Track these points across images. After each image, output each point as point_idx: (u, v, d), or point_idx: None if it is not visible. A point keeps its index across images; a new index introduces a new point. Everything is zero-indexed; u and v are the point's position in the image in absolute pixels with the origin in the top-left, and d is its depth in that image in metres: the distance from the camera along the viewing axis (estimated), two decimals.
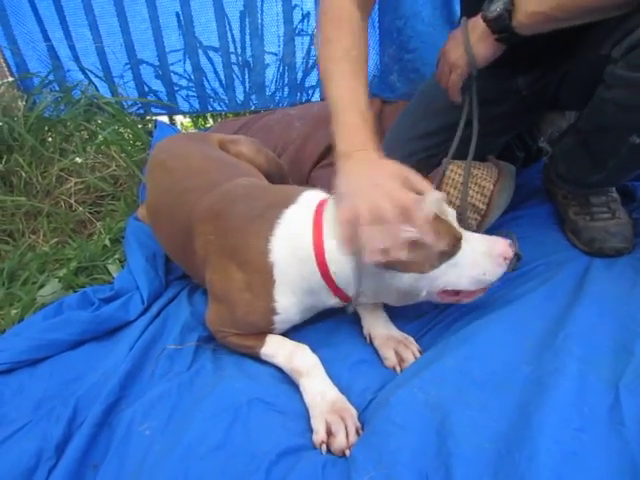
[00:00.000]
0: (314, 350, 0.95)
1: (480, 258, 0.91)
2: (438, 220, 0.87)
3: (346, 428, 0.81)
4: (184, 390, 0.93)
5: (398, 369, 0.94)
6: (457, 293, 0.95)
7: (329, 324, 1.09)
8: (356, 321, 1.07)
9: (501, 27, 0.97)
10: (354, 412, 0.84)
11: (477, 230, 1.25)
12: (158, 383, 0.96)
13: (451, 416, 0.76)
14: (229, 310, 1.00)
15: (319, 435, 0.81)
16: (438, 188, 1.21)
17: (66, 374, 1.03)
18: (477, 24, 1.02)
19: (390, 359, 0.95)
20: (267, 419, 0.84)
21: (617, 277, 1.06)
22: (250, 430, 0.82)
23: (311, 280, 0.94)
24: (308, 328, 1.07)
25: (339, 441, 0.79)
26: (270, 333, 1.01)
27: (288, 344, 0.97)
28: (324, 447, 0.79)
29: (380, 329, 1.01)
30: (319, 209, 0.94)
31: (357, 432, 0.81)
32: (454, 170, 1.21)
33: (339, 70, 0.98)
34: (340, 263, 0.90)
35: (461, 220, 1.11)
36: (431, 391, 0.80)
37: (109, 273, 1.40)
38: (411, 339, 0.99)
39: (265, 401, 0.88)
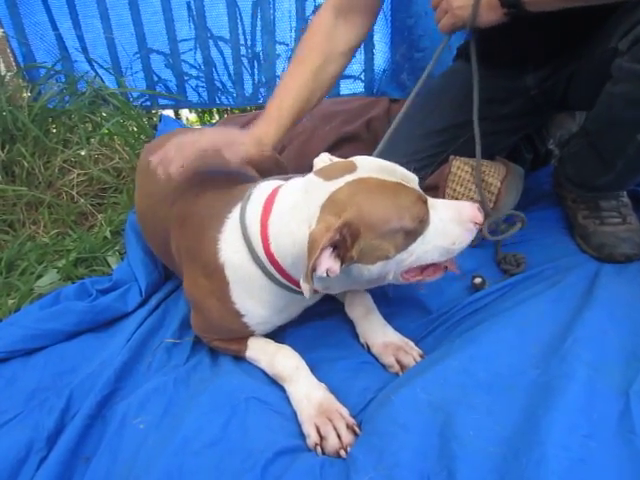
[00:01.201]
0: (313, 350, 0.93)
1: (449, 226, 0.84)
2: (402, 189, 0.80)
3: (336, 429, 0.78)
4: (180, 384, 0.91)
5: (400, 374, 0.90)
6: (422, 271, 0.88)
7: (329, 323, 1.06)
8: None
9: (511, 3, 0.94)
10: (344, 411, 0.81)
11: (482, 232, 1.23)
12: (154, 376, 0.94)
13: (455, 418, 0.73)
14: (204, 317, 0.97)
15: (311, 439, 0.78)
16: (444, 185, 1.20)
17: (60, 365, 1.01)
18: None
19: (392, 366, 0.91)
20: (264, 418, 0.82)
21: (627, 283, 1.03)
22: (247, 427, 0.80)
23: (263, 277, 0.87)
24: (306, 327, 1.05)
25: (331, 443, 0.77)
26: (252, 336, 0.96)
27: (269, 348, 0.94)
28: (319, 450, 0.77)
29: (377, 336, 0.96)
30: (270, 197, 0.87)
31: (353, 429, 0.79)
32: (460, 167, 1.19)
33: (289, 66, 1.15)
34: (283, 250, 0.83)
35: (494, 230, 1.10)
36: (434, 392, 0.78)
37: (109, 265, 1.39)
38: (411, 343, 0.94)
39: (262, 400, 0.85)
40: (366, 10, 1.22)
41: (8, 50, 2.13)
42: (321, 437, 0.78)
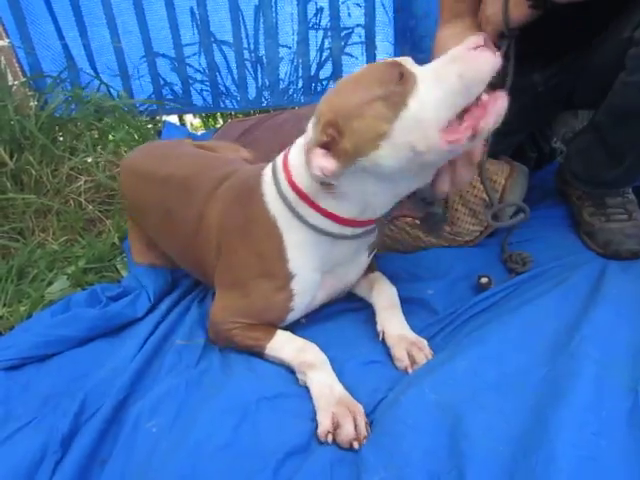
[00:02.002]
0: (324, 350, 0.93)
1: (444, 67, 0.75)
2: (367, 67, 0.82)
3: (355, 420, 0.79)
4: (192, 387, 0.92)
5: (410, 371, 0.91)
6: (463, 119, 0.75)
7: (340, 323, 1.07)
8: (368, 321, 1.05)
9: None
10: (362, 409, 0.82)
11: (488, 227, 1.24)
12: (165, 378, 0.95)
13: (464, 418, 0.74)
14: (242, 292, 0.98)
15: (323, 426, 0.79)
16: None
17: (74, 370, 1.03)
18: None
19: (402, 360, 0.92)
20: (276, 418, 0.83)
21: (634, 280, 1.04)
22: (258, 429, 0.80)
23: (302, 226, 0.91)
24: (318, 328, 1.06)
25: (346, 432, 0.77)
26: (288, 309, 0.98)
27: (298, 340, 0.96)
28: (330, 438, 0.77)
29: (394, 328, 0.98)
30: (288, 150, 0.95)
31: (366, 428, 0.79)
32: None
33: None
34: (300, 177, 0.89)
35: (496, 216, 1.09)
36: (443, 392, 0.79)
37: (118, 271, 1.40)
38: (424, 342, 0.96)
39: (274, 400, 0.86)
40: (473, 10, 1.19)
41: (14, 60, 2.15)
42: (335, 427, 0.78)
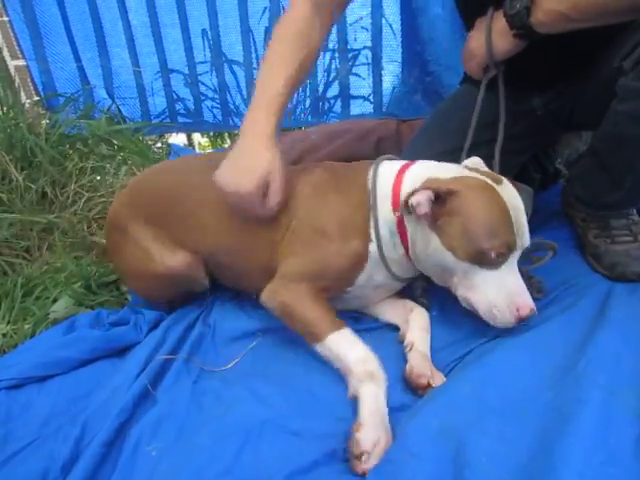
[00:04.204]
0: None
1: (502, 289, 0.91)
2: (510, 219, 0.91)
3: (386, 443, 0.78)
4: (192, 408, 0.91)
5: (421, 392, 0.90)
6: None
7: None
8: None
9: (519, 23, 0.98)
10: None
11: None
12: (165, 400, 0.94)
13: (468, 445, 0.73)
14: (317, 252, 1.01)
15: (365, 445, 0.75)
16: None
17: (75, 391, 1.02)
18: (499, 19, 1.03)
19: (423, 376, 0.90)
20: (278, 441, 0.82)
21: None
22: (260, 454, 0.79)
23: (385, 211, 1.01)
24: None
25: (372, 460, 0.75)
26: (362, 268, 1.03)
27: (363, 346, 0.93)
28: (364, 458, 0.75)
29: (424, 348, 0.98)
30: (404, 169, 1.05)
31: None
32: None
33: (268, 57, 1.12)
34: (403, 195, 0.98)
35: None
36: (446, 418, 0.78)
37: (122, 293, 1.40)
38: (442, 376, 0.93)
39: (278, 423, 0.85)
40: (339, 4, 1.20)
41: (28, 79, 2.20)
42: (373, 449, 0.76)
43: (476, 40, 1.10)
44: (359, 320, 1.14)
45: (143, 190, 1.26)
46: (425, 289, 1.12)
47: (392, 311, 1.12)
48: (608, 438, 0.70)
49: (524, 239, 0.93)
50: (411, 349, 0.98)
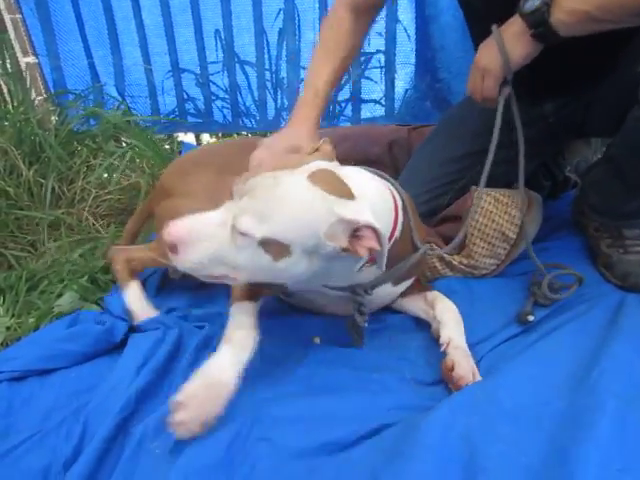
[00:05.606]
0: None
1: None
2: None
3: None
4: None
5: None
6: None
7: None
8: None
9: (538, 21, 0.91)
10: None
11: (505, 260, 1.22)
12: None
13: (481, 449, 0.71)
14: None
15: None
16: (466, 216, 1.19)
17: (77, 384, 1.01)
18: (511, 24, 0.98)
19: (466, 377, 0.87)
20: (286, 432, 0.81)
21: None
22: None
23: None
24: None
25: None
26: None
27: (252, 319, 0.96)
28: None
29: (461, 342, 0.95)
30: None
31: None
32: (482, 198, 1.18)
33: (314, 57, 1.23)
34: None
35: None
36: (461, 419, 0.76)
37: None
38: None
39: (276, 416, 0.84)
40: (375, 8, 1.28)
41: (37, 75, 2.20)
42: None
43: (487, 55, 1.02)
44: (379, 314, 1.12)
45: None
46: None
47: (412, 304, 1.11)
48: (625, 446, 0.69)
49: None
50: (449, 345, 0.94)
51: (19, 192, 1.69)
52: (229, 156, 1.26)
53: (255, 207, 0.76)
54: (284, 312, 1.16)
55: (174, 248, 0.77)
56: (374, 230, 0.77)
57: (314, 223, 0.77)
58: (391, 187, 0.97)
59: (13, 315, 1.25)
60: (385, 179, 0.99)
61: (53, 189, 1.73)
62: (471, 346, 0.99)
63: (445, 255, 1.22)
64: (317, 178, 0.79)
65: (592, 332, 0.97)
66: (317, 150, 0.91)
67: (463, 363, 0.89)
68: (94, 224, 1.71)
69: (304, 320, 1.12)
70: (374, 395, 0.89)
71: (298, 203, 0.77)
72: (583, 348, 0.93)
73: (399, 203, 0.95)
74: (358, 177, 0.87)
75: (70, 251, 1.54)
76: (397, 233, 0.92)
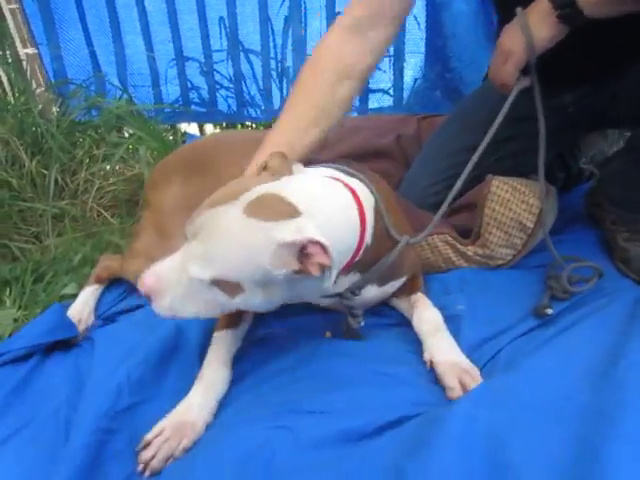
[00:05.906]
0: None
1: None
2: None
3: None
4: None
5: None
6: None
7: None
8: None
9: (565, 2, 0.89)
10: None
11: (521, 251, 1.20)
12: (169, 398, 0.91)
13: (506, 442, 0.69)
14: None
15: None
16: (483, 204, 1.17)
17: (74, 369, 1.01)
18: (536, 6, 0.95)
19: (454, 389, 0.84)
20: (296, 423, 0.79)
21: None
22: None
23: None
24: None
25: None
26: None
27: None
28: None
29: (443, 354, 0.91)
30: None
31: None
32: (499, 186, 1.16)
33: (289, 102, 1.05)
34: None
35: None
36: (483, 412, 0.74)
37: None
38: (477, 370, 0.88)
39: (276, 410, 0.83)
40: (392, 22, 1.08)
41: (36, 65, 2.17)
42: None
43: (511, 38, 0.99)
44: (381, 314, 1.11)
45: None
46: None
47: (400, 305, 1.08)
48: None
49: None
50: (432, 363, 0.91)
51: (22, 183, 1.67)
52: (201, 155, 1.26)
53: (200, 251, 0.76)
54: (295, 308, 1.14)
55: (149, 298, 0.80)
56: (321, 245, 0.73)
57: (254, 256, 0.74)
58: (362, 186, 0.91)
59: (20, 307, 1.24)
60: (356, 177, 0.92)
61: (56, 180, 1.71)
62: (488, 339, 0.98)
63: (459, 246, 1.20)
64: (254, 207, 0.76)
65: (612, 327, 0.95)
66: (265, 168, 0.85)
67: (447, 375, 0.86)
68: (98, 215, 1.69)
69: (315, 315, 1.10)
70: (392, 388, 0.88)
71: (235, 241, 0.75)
72: (604, 343, 0.91)
73: (368, 203, 0.88)
74: (308, 189, 0.81)
75: (74, 242, 1.52)
76: (368, 237, 0.87)
